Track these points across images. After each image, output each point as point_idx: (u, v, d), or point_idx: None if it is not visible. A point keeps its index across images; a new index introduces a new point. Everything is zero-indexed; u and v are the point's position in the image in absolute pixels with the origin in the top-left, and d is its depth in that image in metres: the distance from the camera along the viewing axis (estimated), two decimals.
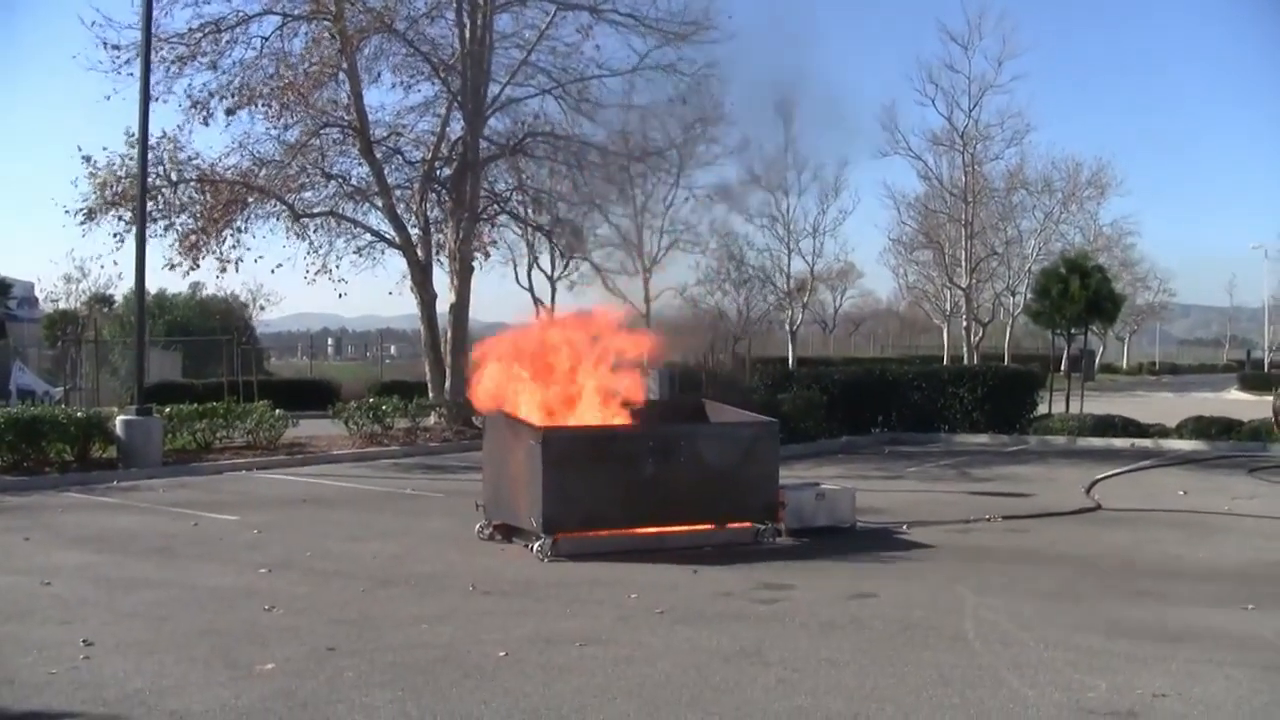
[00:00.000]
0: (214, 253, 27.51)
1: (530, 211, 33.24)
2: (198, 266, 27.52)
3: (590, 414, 13.78)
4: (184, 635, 8.82)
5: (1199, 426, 25.90)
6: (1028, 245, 71.55)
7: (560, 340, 13.92)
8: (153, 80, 23.23)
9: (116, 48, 26.22)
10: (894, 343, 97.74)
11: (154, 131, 24.72)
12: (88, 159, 26.22)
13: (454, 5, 29.00)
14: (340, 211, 30.41)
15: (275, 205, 28.52)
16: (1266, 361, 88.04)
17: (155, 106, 24.00)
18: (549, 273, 53.68)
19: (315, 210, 29.85)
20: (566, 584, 10.80)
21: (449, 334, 30.09)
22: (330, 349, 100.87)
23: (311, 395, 36.82)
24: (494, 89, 29.98)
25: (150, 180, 24.56)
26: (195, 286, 54.52)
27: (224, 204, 27.08)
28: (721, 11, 31.62)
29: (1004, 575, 11.26)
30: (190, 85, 26.93)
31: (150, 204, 25.10)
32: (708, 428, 13.92)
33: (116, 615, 9.57)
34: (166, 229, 27.09)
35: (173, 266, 27.37)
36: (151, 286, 46.30)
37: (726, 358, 44.89)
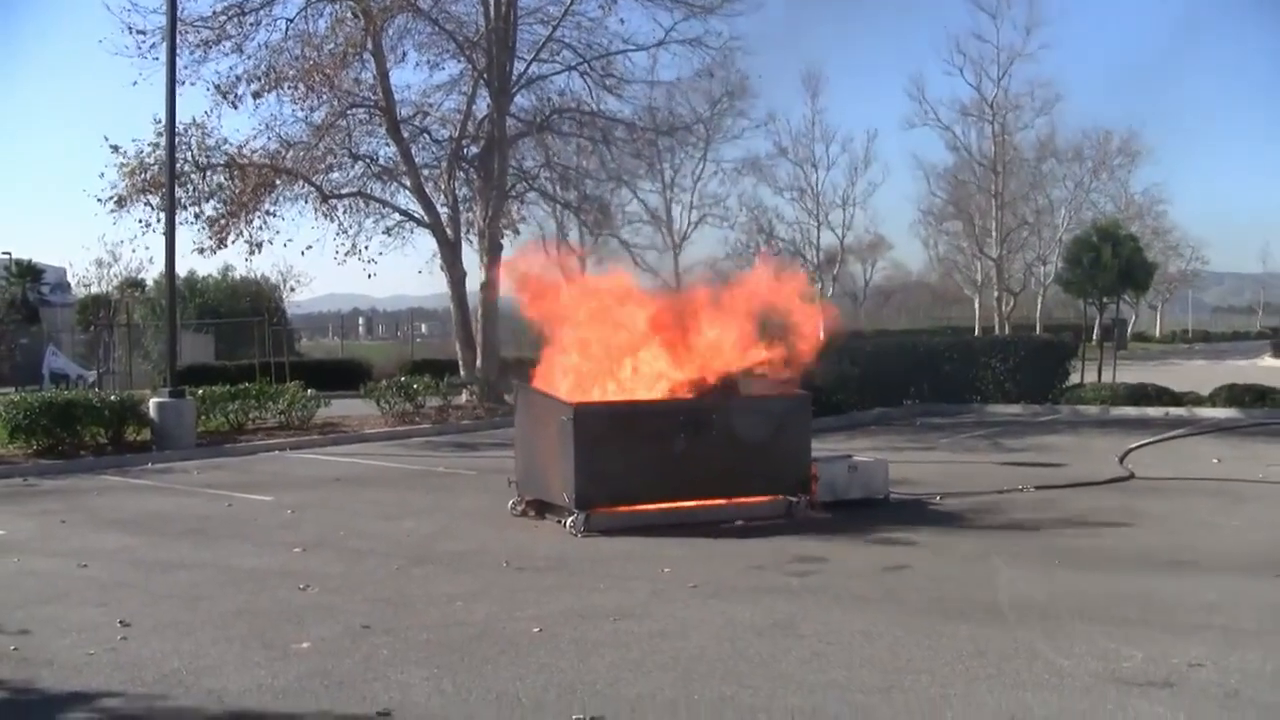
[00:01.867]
0: (243, 235, 27.60)
1: (558, 188, 33.23)
2: (225, 245, 27.60)
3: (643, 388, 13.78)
4: (220, 615, 8.87)
5: (1233, 394, 25.71)
6: (1058, 215, 71.30)
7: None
8: (179, 64, 23.34)
9: (142, 32, 26.34)
10: (925, 314, 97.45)
11: (182, 117, 24.87)
12: (116, 148, 26.25)
13: None
14: (368, 192, 30.47)
15: (303, 187, 28.57)
16: None
17: (182, 90, 24.09)
18: (577, 250, 53.74)
19: (343, 191, 29.89)
20: (600, 559, 10.82)
21: (479, 312, 30.13)
22: (361, 329, 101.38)
23: (343, 375, 36.96)
24: (519, 66, 29.98)
25: (179, 166, 24.65)
26: (226, 269, 54.74)
27: (252, 188, 27.13)
28: None
29: (1038, 546, 11.22)
30: (216, 70, 27.06)
31: (179, 190, 25.18)
32: (739, 401, 13.86)
33: (153, 596, 9.64)
34: (197, 216, 27.19)
35: (202, 250, 27.50)
36: (182, 270, 46.39)
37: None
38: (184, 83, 25.34)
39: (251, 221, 27.59)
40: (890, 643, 7.80)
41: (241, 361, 39.15)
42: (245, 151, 27.68)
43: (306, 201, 29.10)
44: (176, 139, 23.51)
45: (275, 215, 28.23)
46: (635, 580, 9.89)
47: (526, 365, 14.98)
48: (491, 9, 28.85)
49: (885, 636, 7.95)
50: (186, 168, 26.49)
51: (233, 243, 27.66)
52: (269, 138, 28.08)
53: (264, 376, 30.52)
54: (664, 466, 12.53)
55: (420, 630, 8.30)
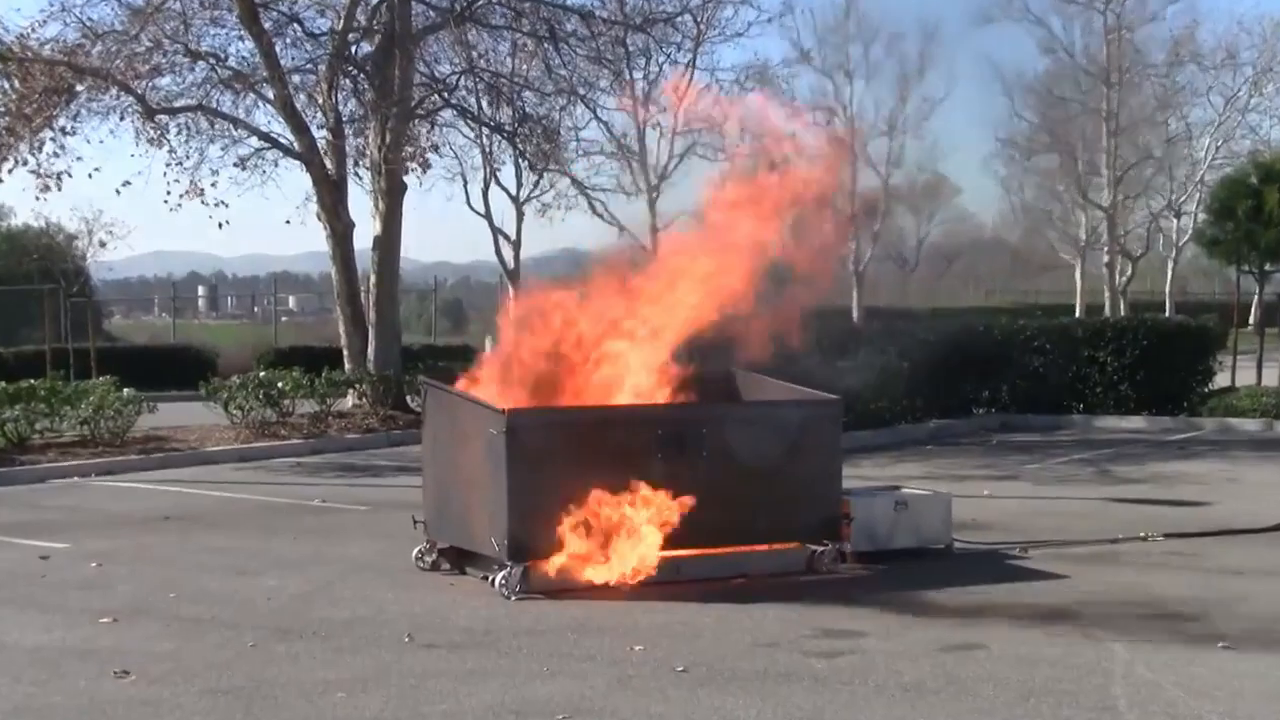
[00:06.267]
0: (28, 163, 27.34)
1: (485, 105, 33.15)
2: (0, 180, 27.40)
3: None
4: None
5: None
6: (1200, 146, 71.10)
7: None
8: None
9: None
10: (1004, 287, 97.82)
11: None
12: None
13: None
14: (213, 105, 30.27)
15: (119, 96, 28.36)
16: None
17: None
18: (513, 192, 53.65)
19: (178, 104, 29.73)
20: (542, 631, 10.82)
21: (372, 279, 29.99)
22: (201, 303, 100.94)
23: (176, 368, 37.00)
24: None
25: None
26: (1, 214, 54.43)
27: (40, 93, 26.82)
28: None
29: (1169, 618, 11.25)
30: None
31: None
32: (740, 409, 13.89)
33: None
34: None
35: None
36: None
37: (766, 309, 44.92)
38: None
39: (40, 144, 27.33)
40: None
41: (24, 348, 39.08)
42: (30, 42, 27.38)
43: (123, 117, 28.98)
44: None
45: (75, 135, 28.04)
46: (593, 662, 9.90)
47: (439, 357, 14.95)
48: None
49: None
50: None
51: (11, 173, 27.44)
52: (65, 22, 27.84)
53: (58, 369, 30.38)
54: None
55: None
